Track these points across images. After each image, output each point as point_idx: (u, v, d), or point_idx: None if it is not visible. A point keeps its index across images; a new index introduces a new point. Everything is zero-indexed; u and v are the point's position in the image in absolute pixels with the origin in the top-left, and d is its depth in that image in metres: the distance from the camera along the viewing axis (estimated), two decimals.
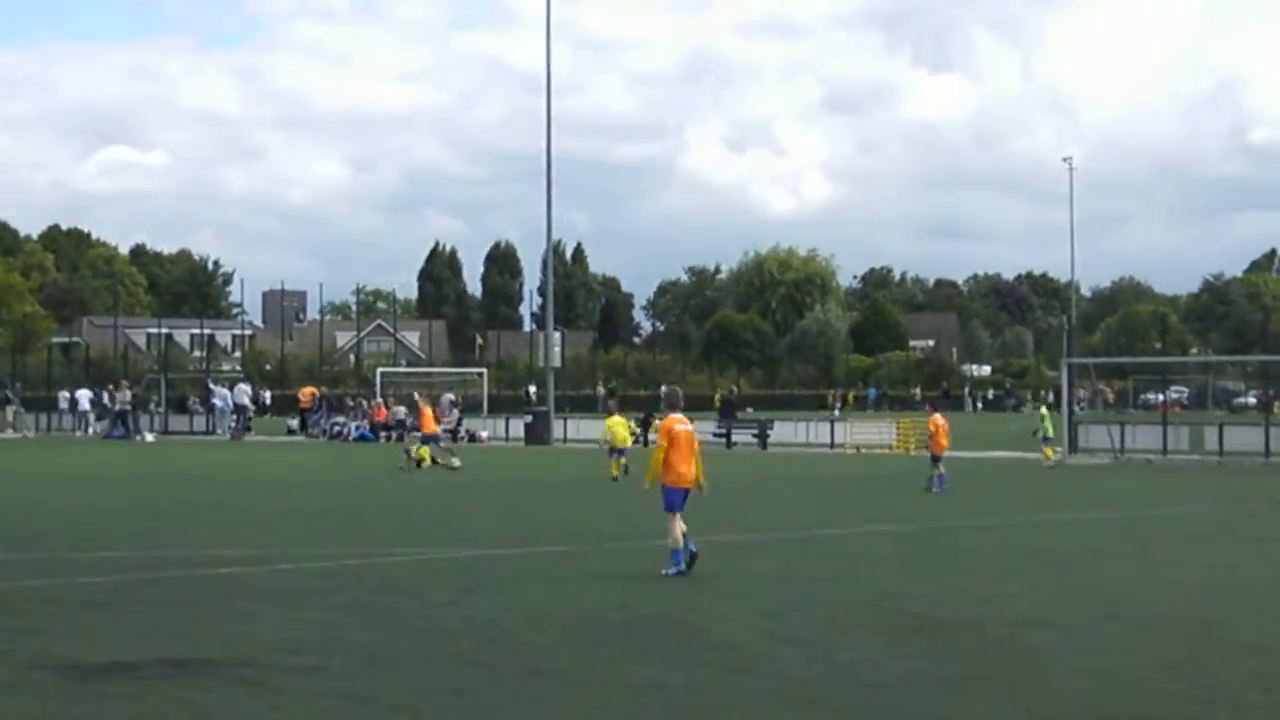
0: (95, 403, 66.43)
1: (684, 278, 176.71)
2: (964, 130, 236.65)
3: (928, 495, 30.31)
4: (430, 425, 40.71)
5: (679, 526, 17.31)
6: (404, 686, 11.17)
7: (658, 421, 44.72)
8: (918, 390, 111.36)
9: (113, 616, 14.29)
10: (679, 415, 18.16)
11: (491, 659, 12.19)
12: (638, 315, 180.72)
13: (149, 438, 60.76)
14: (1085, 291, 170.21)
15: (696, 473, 17.69)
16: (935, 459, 31.81)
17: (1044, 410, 45.08)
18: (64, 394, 70.02)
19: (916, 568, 18.52)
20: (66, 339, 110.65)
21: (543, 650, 12.60)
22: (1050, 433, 42.12)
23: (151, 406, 67.16)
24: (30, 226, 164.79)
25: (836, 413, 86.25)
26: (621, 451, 36.13)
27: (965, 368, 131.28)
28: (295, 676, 11.45)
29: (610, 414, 39.66)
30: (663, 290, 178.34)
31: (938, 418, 32.91)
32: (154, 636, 13.09)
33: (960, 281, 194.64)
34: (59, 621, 13.92)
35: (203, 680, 11.25)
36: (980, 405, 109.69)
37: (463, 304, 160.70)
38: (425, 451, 40.28)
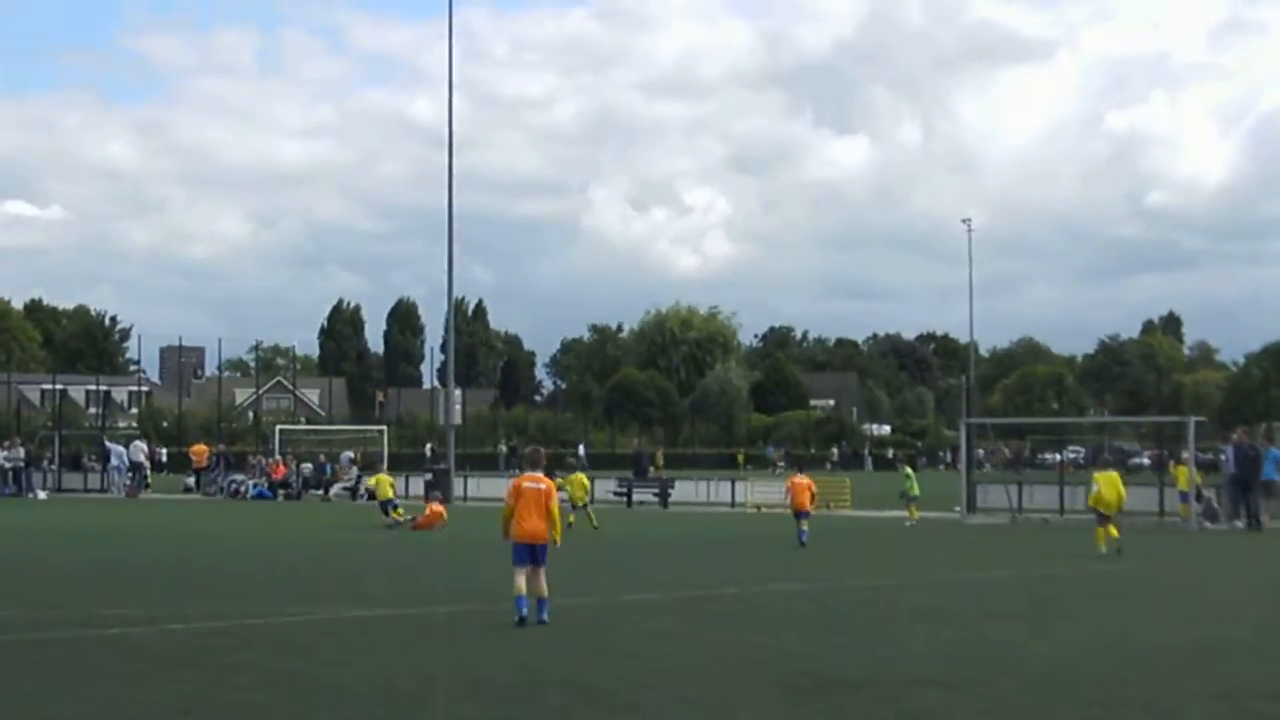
0: None
1: (586, 335, 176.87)
2: (866, 190, 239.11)
3: (814, 551, 30.81)
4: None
5: (522, 579, 17.93)
6: None
7: (558, 478, 45.35)
8: (834, 450, 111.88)
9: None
10: (534, 474, 18.58)
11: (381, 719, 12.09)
12: (540, 373, 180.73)
13: (41, 495, 59.94)
14: (984, 352, 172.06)
15: (549, 528, 18.26)
16: (799, 514, 32.91)
17: (908, 470, 45.50)
18: None
19: (812, 627, 18.55)
20: None
21: (440, 712, 12.49)
22: (915, 492, 42.64)
23: (45, 464, 66.29)
24: None
25: (780, 469, 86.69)
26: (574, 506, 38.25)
27: (865, 427, 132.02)
28: None
29: (572, 470, 41.51)
30: (565, 348, 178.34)
31: (798, 478, 34.30)
32: (40, 699, 12.86)
33: (861, 341, 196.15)
34: None
35: None
36: (929, 463, 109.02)
37: (364, 361, 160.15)
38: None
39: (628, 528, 40.78)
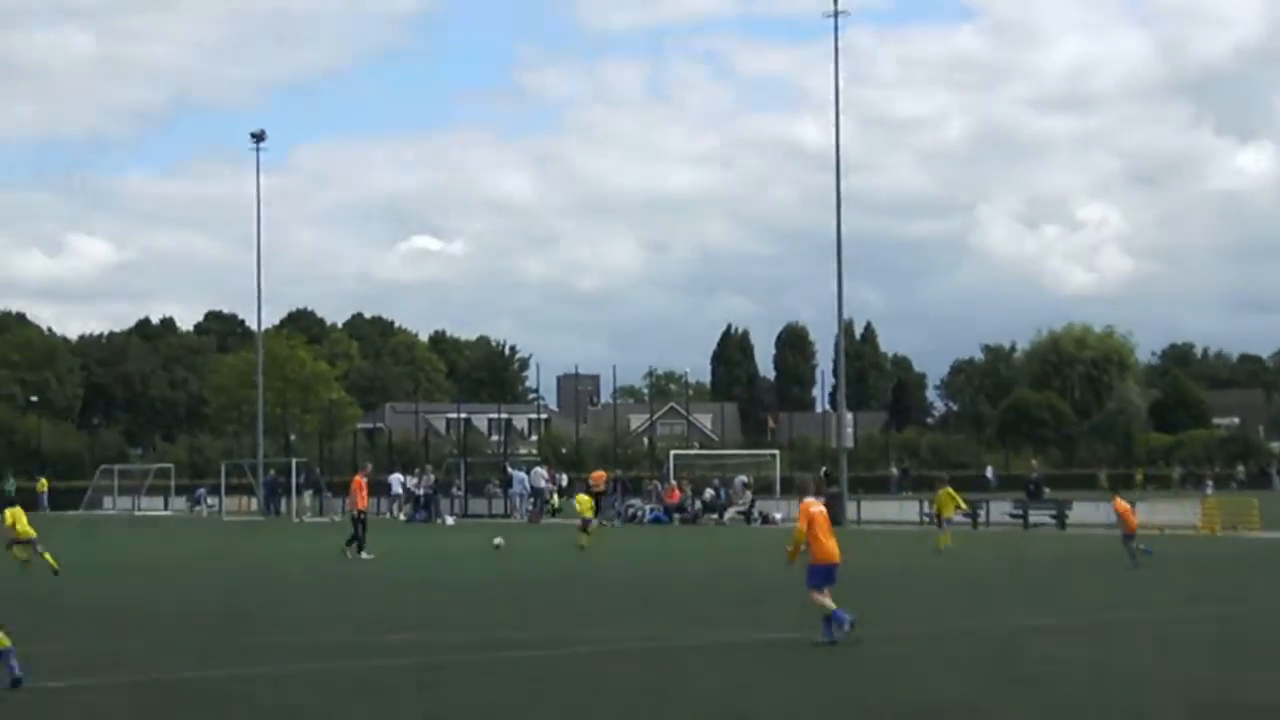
0: (405, 486, 67.83)
1: (978, 356, 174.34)
2: (1272, 200, 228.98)
3: (1220, 576, 29.98)
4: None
5: (826, 599, 18.35)
6: None
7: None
8: (1240, 469, 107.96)
9: (402, 700, 14.46)
10: (812, 499, 19.11)
11: None
12: (930, 395, 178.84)
13: (449, 521, 62.02)
14: None
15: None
16: (1127, 538, 32.92)
17: None
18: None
19: (1223, 654, 17.80)
20: (370, 425, 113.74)
21: None
22: None
23: (452, 490, 68.57)
24: (336, 315, 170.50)
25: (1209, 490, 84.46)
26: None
27: (1273, 445, 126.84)
28: None
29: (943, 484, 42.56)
30: (956, 369, 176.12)
31: (1119, 501, 34.56)
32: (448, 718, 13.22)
33: (1266, 356, 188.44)
34: (343, 706, 14.15)
35: None
36: None
37: (754, 385, 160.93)
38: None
39: (1023, 549, 40.01)
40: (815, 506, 18.88)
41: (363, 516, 37.80)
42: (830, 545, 18.71)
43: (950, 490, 41.55)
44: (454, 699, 14.40)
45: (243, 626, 21.29)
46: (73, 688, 15.26)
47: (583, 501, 43.33)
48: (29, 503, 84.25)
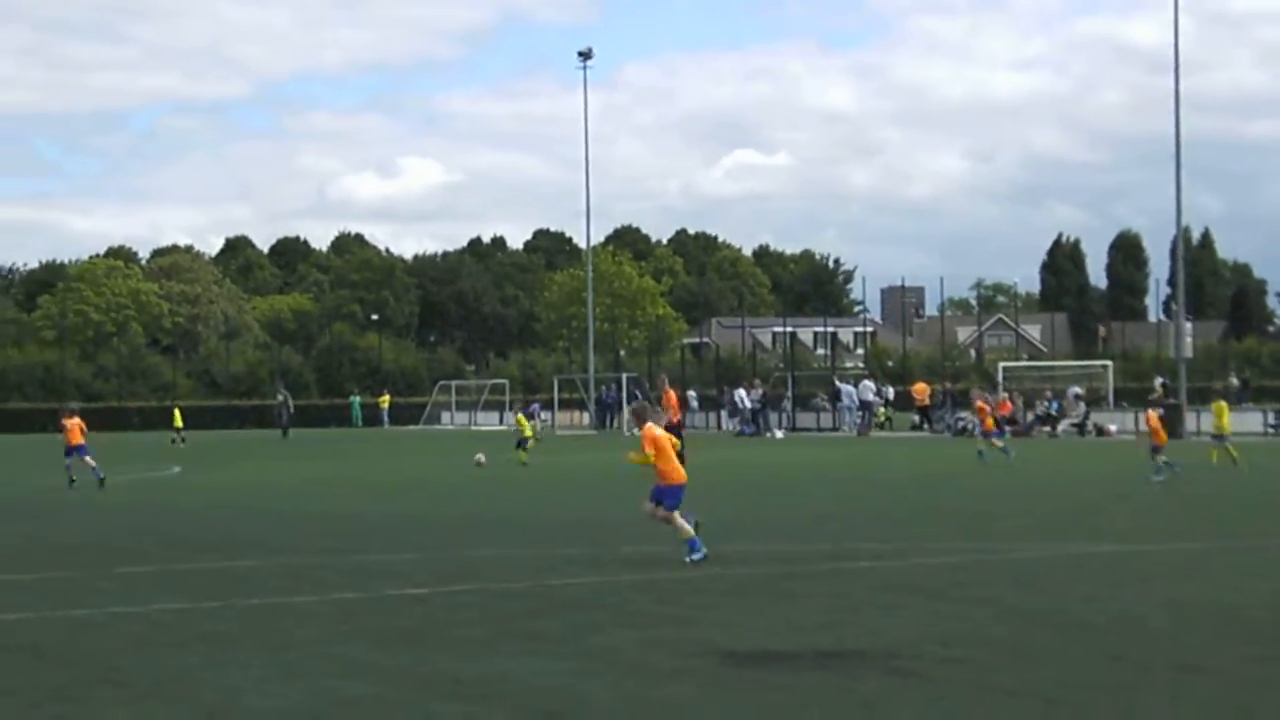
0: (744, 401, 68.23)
1: None
2: None
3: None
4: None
5: (682, 521, 18.42)
6: (1052, 681, 11.17)
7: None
8: None
9: (763, 606, 14.83)
10: (651, 424, 18.89)
11: (1139, 655, 12.04)
12: (1272, 302, 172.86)
13: (778, 434, 62.53)
14: None
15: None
16: (1155, 449, 32.08)
17: None
18: (692, 393, 73.32)
19: None
20: (696, 339, 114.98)
21: (1191, 647, 12.36)
22: None
23: (781, 404, 69.06)
24: (661, 231, 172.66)
25: None
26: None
27: None
28: (944, 668, 11.59)
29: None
30: None
31: (1151, 414, 33.43)
32: (804, 627, 13.52)
33: None
34: (712, 611, 14.54)
35: (856, 670, 11.55)
36: None
37: (1085, 295, 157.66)
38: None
39: None
40: (656, 430, 18.79)
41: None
42: (677, 467, 18.66)
43: (1222, 404, 39.09)
44: (808, 607, 14.72)
45: (596, 536, 21.95)
46: (435, 594, 16.01)
47: (521, 421, 44.93)
48: (372, 418, 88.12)
